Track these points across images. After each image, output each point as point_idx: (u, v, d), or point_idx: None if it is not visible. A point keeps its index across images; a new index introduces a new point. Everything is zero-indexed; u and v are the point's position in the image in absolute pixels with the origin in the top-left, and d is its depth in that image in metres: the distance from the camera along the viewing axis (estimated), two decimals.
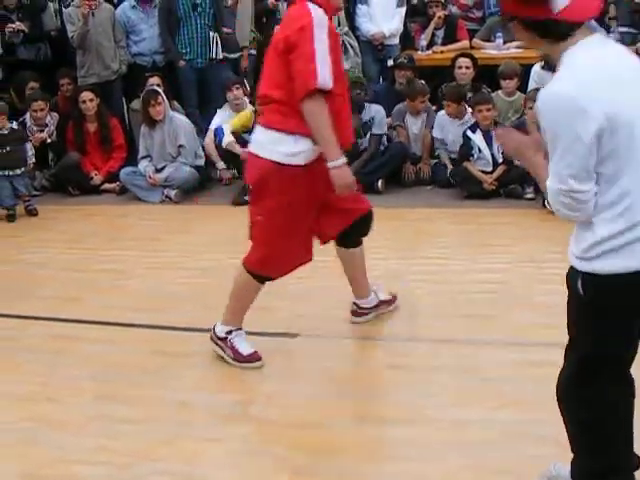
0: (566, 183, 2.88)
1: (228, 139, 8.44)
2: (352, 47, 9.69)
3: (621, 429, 3.27)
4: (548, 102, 2.95)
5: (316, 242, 4.99)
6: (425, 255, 6.50)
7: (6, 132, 8.32)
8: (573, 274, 3.08)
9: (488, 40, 9.85)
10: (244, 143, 8.46)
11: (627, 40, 9.76)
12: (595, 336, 3.10)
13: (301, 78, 4.33)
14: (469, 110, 8.46)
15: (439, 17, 9.91)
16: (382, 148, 8.55)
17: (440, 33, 10.00)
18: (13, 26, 9.89)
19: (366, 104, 8.47)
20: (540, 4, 2.91)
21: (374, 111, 8.46)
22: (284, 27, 4.56)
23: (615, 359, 3.17)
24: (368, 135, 8.44)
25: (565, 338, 4.89)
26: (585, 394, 3.21)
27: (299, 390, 4.62)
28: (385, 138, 8.65)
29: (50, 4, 10.50)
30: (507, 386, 4.49)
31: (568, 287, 3.13)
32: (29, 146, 8.50)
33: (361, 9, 9.92)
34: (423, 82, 8.87)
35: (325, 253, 6.61)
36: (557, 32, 2.97)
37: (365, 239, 5.22)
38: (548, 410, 4.21)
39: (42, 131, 9.22)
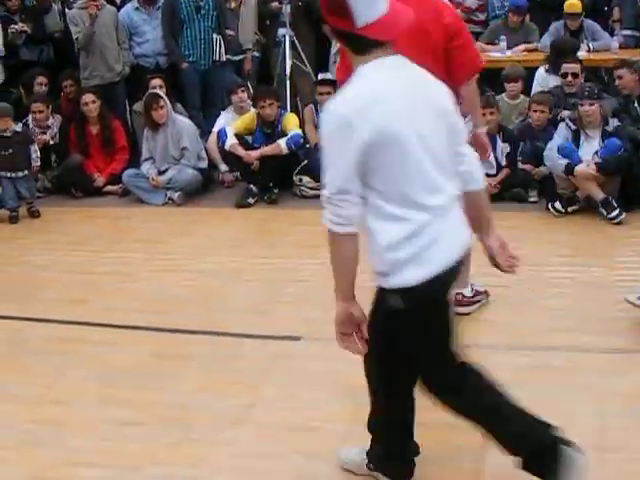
0: (332, 191, 3.07)
1: (231, 141, 8.43)
2: None
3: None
4: (326, 116, 3.11)
5: None
6: None
7: (9, 134, 8.32)
8: (382, 293, 3.25)
9: (492, 43, 9.85)
10: (247, 145, 8.47)
11: (631, 43, 9.76)
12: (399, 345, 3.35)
13: (472, 61, 4.88)
14: None
15: None
16: None
17: None
18: (16, 27, 9.90)
19: None
20: (343, 16, 3.07)
21: None
22: (430, 16, 4.64)
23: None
24: None
25: (570, 341, 4.92)
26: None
27: (302, 393, 4.61)
28: None
29: (54, 5, 10.49)
30: (511, 390, 4.47)
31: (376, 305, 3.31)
32: (34, 148, 8.49)
33: None
34: None
35: (325, 255, 6.60)
36: (357, 45, 3.14)
37: None
38: (551, 414, 4.22)
39: (44, 133, 9.22)
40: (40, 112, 9.19)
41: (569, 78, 8.29)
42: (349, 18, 3.06)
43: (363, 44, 3.11)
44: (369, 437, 3.89)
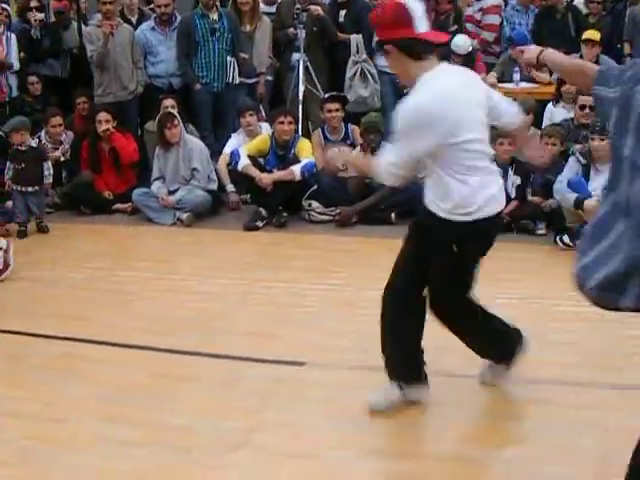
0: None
1: (244, 162, 8.45)
2: (371, 74, 9.69)
3: None
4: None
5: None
6: None
7: (24, 149, 8.36)
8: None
9: (502, 76, 9.83)
10: (260, 167, 8.49)
11: None
12: None
13: None
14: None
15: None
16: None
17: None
18: (35, 16, 10.04)
19: (382, 146, 8.48)
20: (403, 25, 3.94)
21: None
22: None
23: None
24: None
25: (575, 376, 4.88)
26: None
27: (302, 419, 4.59)
28: None
29: (74, 22, 10.53)
30: (513, 423, 4.46)
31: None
32: (47, 165, 8.49)
33: None
34: None
35: (332, 281, 6.61)
36: (415, 51, 4.00)
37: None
38: (553, 449, 4.20)
39: (57, 149, 9.27)
40: (59, 125, 9.28)
41: (586, 110, 8.25)
42: (410, 26, 3.92)
43: (421, 50, 3.97)
44: (371, 465, 3.86)
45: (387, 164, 4.03)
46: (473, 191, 4.03)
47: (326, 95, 9.17)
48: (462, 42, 9.77)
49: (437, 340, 5.54)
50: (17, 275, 7.11)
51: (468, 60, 9.86)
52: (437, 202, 4.12)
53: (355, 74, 9.72)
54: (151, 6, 10.61)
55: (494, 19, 10.44)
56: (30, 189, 8.36)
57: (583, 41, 9.48)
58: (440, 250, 4.20)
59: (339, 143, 8.87)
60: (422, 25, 3.99)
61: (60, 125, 9.31)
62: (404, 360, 4.57)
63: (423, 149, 3.94)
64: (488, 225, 4.15)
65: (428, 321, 5.80)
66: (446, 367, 5.14)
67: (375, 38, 4.71)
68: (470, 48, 9.83)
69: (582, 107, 8.32)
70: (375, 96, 9.71)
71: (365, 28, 9.73)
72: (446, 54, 9.93)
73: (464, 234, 4.11)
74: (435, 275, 4.30)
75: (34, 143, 8.63)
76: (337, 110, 8.88)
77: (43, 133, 9.29)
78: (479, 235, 4.18)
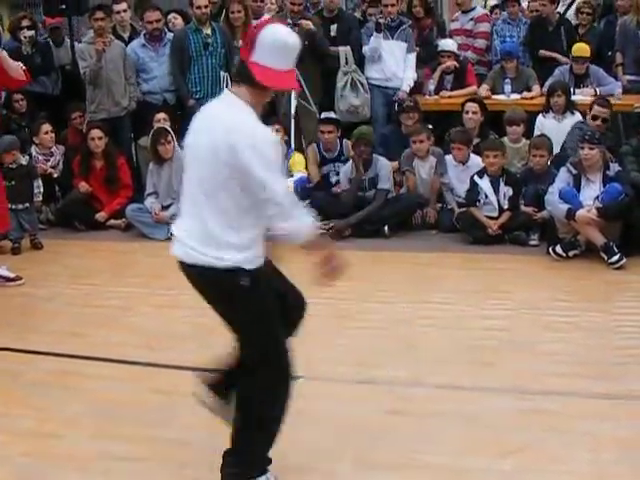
0: None
1: None
2: (362, 84, 9.71)
3: None
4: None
5: None
6: (430, 300, 6.49)
7: (14, 166, 8.38)
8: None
9: (493, 88, 9.87)
10: None
11: (635, 88, 9.78)
12: None
13: None
14: (472, 156, 8.51)
15: (447, 67, 9.92)
16: (391, 196, 8.60)
17: (450, 78, 10.02)
18: (25, 33, 10.04)
19: (373, 158, 8.53)
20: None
21: (379, 167, 8.54)
22: None
23: None
24: (373, 190, 8.51)
25: (568, 386, 4.91)
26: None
27: (299, 433, 4.57)
28: (392, 190, 8.68)
29: (67, 39, 10.55)
30: (508, 434, 4.48)
31: None
32: (37, 183, 8.54)
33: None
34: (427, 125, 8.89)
35: (326, 295, 6.62)
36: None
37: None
38: (549, 459, 4.22)
39: (47, 161, 9.29)
40: (51, 131, 9.37)
41: (598, 121, 8.23)
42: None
43: None
44: (367, 478, 3.87)
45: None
46: None
47: (321, 116, 9.22)
48: (445, 43, 10.01)
49: (435, 351, 5.60)
50: (12, 291, 7.13)
51: (460, 67, 9.97)
52: None
53: (346, 84, 9.75)
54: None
55: (485, 27, 10.56)
56: (21, 206, 8.38)
57: (573, 58, 9.54)
58: None
59: (334, 160, 8.98)
60: None
61: (51, 131, 9.38)
62: None
63: None
64: None
65: (424, 333, 5.87)
66: (443, 379, 5.17)
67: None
68: (456, 46, 9.98)
69: (594, 118, 8.28)
70: (366, 105, 9.73)
71: (354, 39, 9.82)
72: (434, 56, 10.09)
73: None
74: None
75: (24, 161, 8.65)
76: (330, 132, 8.92)
77: (33, 148, 9.32)
78: None
